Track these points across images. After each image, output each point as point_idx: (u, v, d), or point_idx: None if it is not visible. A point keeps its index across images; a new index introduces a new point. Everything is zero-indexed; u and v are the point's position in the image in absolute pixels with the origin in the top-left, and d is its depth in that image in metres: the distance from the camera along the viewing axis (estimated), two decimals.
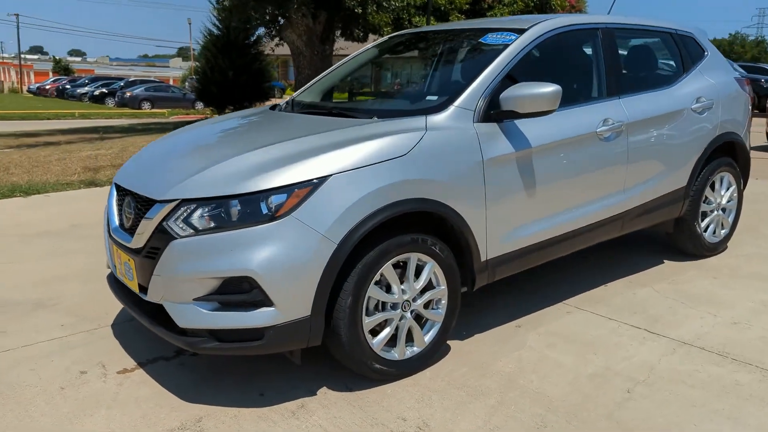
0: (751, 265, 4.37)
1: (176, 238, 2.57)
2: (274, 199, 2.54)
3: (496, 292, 3.90)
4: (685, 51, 4.30)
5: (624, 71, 3.95)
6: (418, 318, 2.96)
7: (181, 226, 2.58)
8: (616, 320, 3.50)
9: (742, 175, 4.65)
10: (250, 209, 2.55)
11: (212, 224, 2.56)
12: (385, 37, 4.29)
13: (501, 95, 3.09)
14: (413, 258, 2.85)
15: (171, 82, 48.70)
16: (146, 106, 33.52)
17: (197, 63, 15.03)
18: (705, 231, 4.46)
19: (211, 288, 2.56)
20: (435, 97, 3.27)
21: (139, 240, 2.74)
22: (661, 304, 3.71)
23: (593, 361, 3.03)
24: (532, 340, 3.28)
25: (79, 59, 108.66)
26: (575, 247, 3.65)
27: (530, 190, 3.23)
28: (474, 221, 3.01)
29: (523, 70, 3.37)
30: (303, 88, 4.22)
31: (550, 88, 3.02)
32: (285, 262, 2.51)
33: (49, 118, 23.26)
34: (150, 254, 2.68)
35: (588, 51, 3.80)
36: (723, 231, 4.60)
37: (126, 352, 3.19)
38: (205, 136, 3.43)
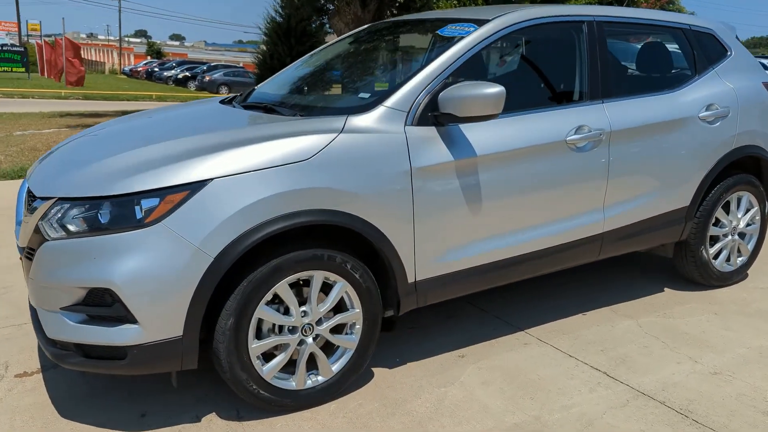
0: (764, 301, 3.77)
1: (47, 240, 2.35)
2: (145, 204, 2.28)
3: (454, 314, 3.51)
4: (699, 50, 3.72)
5: (615, 72, 3.45)
6: (328, 343, 2.64)
7: (54, 226, 2.36)
8: (576, 358, 3.05)
9: None
10: (122, 213, 2.29)
11: (85, 227, 2.32)
12: (362, 27, 3.94)
13: (439, 96, 2.71)
14: (318, 277, 2.53)
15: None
16: (224, 90, 34.22)
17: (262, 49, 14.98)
18: (715, 258, 3.88)
19: (77, 298, 2.33)
20: (368, 95, 2.92)
21: (22, 238, 2.55)
22: (637, 342, 3.22)
23: (525, 408, 2.62)
24: (469, 374, 2.89)
25: (177, 43, 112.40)
26: (538, 271, 3.21)
27: (475, 205, 2.83)
28: (398, 238, 2.65)
29: (479, 67, 2.97)
30: (268, 80, 3.93)
31: (491, 89, 2.62)
32: (151, 276, 2.25)
33: (128, 99, 24.08)
34: (28, 255, 2.48)
35: (568, 47, 3.32)
36: (740, 259, 4.00)
37: (37, 354, 3.03)
38: (125, 128, 3.20)
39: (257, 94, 3.55)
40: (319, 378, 2.63)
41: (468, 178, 2.80)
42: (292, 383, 2.57)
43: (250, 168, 2.37)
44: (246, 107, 3.21)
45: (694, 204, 3.63)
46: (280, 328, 2.53)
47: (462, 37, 2.95)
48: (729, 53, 3.84)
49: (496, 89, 2.62)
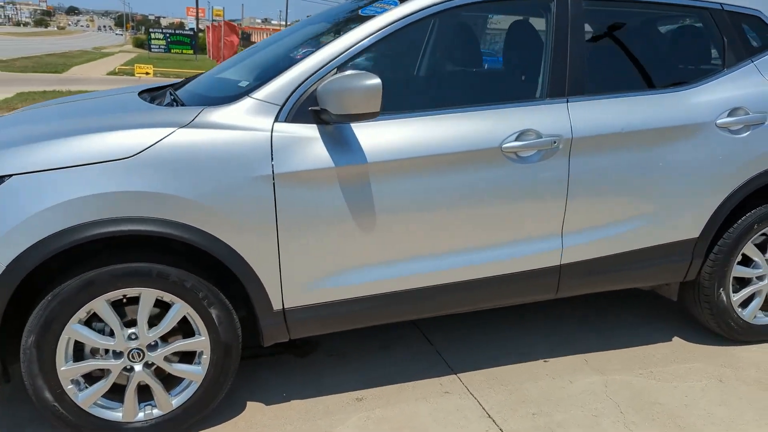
0: None
1: None
2: None
3: (390, 344, 3.00)
4: (735, 36, 2.84)
5: (596, 63, 2.71)
6: (166, 373, 2.29)
7: None
8: (494, 420, 2.44)
9: None
10: None
11: None
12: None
13: (318, 88, 2.23)
14: (147, 295, 2.18)
15: None
16: None
17: None
18: (743, 306, 3.01)
19: None
20: (245, 83, 2.49)
21: None
22: (587, 408, 2.53)
23: None
24: (349, 425, 2.40)
25: None
26: (466, 305, 2.62)
27: (367, 223, 2.32)
28: (257, 257, 2.23)
29: (397, 54, 2.43)
30: (224, 63, 3.58)
31: (362, 82, 2.11)
32: None
33: None
34: None
35: (526, 30, 2.65)
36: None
37: None
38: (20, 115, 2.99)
39: (194, 83, 3.22)
40: (155, 411, 2.28)
41: (356, 189, 2.29)
42: (118, 414, 2.25)
43: (57, 164, 2.05)
44: (154, 95, 2.90)
45: (706, 236, 2.81)
46: (106, 350, 2.21)
47: (373, 17, 2.43)
48: None
49: (368, 82, 2.10)
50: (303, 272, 2.30)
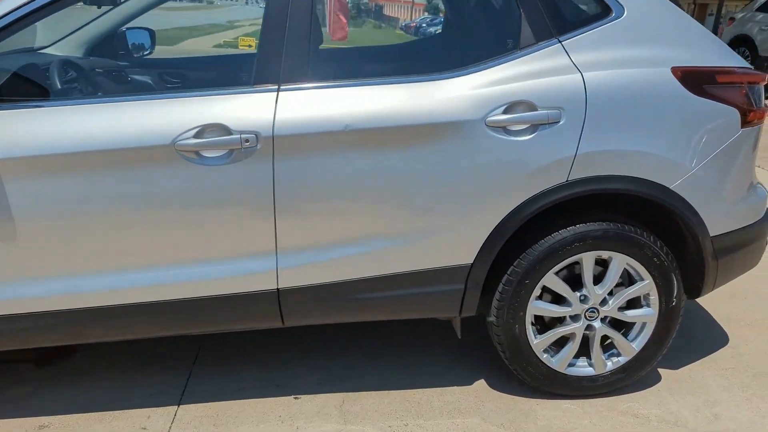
0: None
1: None
2: None
3: (120, 363, 2.66)
4: (534, 7, 2.18)
5: (336, 41, 2.18)
6: None
7: None
8: None
9: (699, 274, 2.36)
10: None
11: None
12: None
13: None
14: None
15: None
16: None
17: None
18: (553, 351, 2.39)
19: None
20: None
21: None
22: None
23: None
24: None
25: None
26: (158, 330, 2.23)
27: None
28: None
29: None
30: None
31: None
32: None
33: None
34: None
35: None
36: (613, 360, 2.42)
37: None
38: None
39: None
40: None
41: None
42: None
43: None
44: None
45: (483, 262, 2.22)
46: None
47: None
48: (613, 14, 2.21)
49: None
50: None
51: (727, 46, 2.37)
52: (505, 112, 2.10)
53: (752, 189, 2.45)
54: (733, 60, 2.30)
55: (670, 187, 2.21)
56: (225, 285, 2.15)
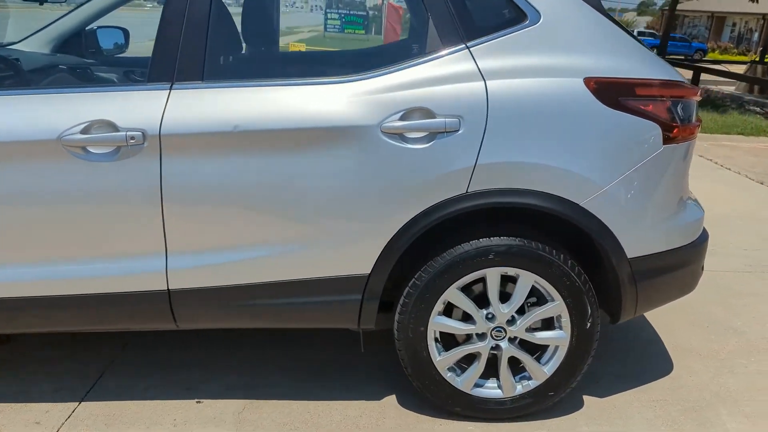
0: None
1: None
2: None
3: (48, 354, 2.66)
4: (443, 11, 2.10)
5: (239, 39, 2.14)
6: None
7: None
8: None
9: (618, 297, 2.22)
10: None
11: None
12: None
13: None
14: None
15: None
16: None
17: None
18: (462, 371, 2.29)
19: None
20: None
21: None
22: None
23: None
24: None
25: None
26: (48, 325, 2.23)
27: None
28: None
29: None
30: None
31: None
32: None
33: None
34: None
35: None
36: (524, 383, 2.29)
37: None
38: None
39: None
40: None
41: None
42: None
43: None
44: None
45: (380, 273, 2.13)
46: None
47: None
48: (527, 20, 2.11)
49: None
50: None
51: (657, 57, 2.23)
52: (401, 118, 2.02)
53: (682, 209, 2.29)
54: (662, 72, 2.16)
55: (581, 204, 2.08)
56: (115, 283, 2.12)
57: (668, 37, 21.70)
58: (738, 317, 3.21)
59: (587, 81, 2.05)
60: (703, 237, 2.39)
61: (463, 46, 2.08)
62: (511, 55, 2.07)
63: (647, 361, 2.78)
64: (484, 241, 2.13)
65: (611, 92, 2.06)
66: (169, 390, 2.47)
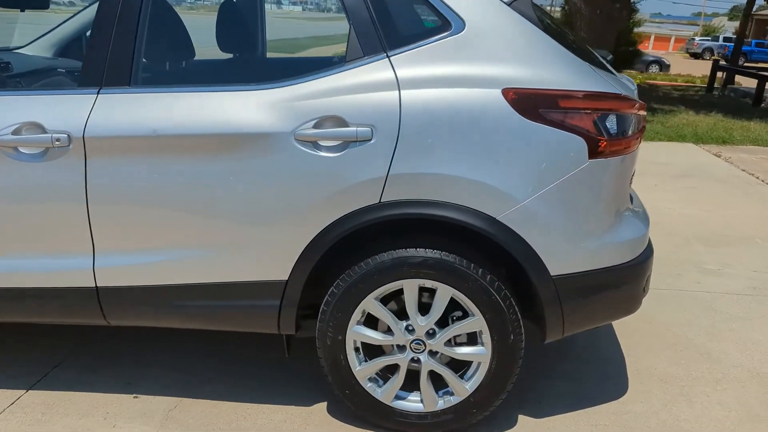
0: None
1: None
2: None
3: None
4: (364, 19, 2.07)
5: (167, 46, 2.19)
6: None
7: None
8: None
9: (547, 315, 2.13)
10: None
11: None
12: None
13: None
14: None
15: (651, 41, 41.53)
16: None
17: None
18: (384, 382, 2.26)
19: None
20: None
21: None
22: None
23: None
24: None
25: None
26: None
27: None
28: None
29: None
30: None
31: None
32: None
33: None
34: None
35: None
36: (445, 399, 2.24)
37: None
38: None
39: None
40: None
41: None
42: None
43: None
44: None
45: (297, 280, 2.14)
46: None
47: None
48: (451, 28, 2.06)
49: None
50: None
51: (590, 67, 2.13)
52: (315, 126, 2.02)
53: (616, 226, 2.18)
54: (592, 84, 2.06)
55: (498, 218, 2.03)
56: (45, 279, 2.22)
57: (742, 43, 20.76)
58: (719, 342, 3.03)
59: (505, 92, 1.99)
60: (644, 256, 2.27)
61: (384, 55, 2.06)
62: (430, 65, 2.04)
63: (601, 382, 2.66)
64: (400, 252, 2.10)
65: (531, 104, 1.99)
66: (114, 384, 2.56)
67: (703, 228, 4.80)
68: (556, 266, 2.08)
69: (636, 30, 20.38)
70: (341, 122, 2.02)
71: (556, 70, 2.05)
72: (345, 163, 2.02)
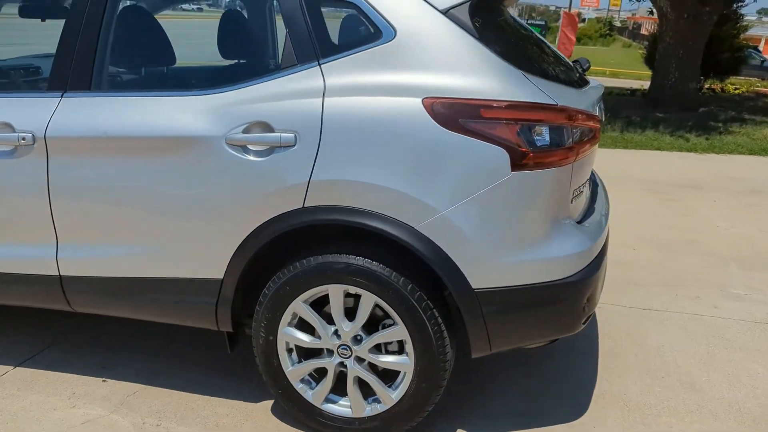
0: None
1: None
2: None
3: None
4: (299, 27, 2.11)
5: (128, 52, 2.34)
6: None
7: None
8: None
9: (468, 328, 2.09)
10: None
11: None
12: None
13: None
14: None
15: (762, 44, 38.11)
16: None
17: None
18: (315, 384, 2.29)
19: None
20: None
21: None
22: None
23: None
24: None
25: None
26: None
27: None
28: None
29: None
30: None
31: None
32: None
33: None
34: None
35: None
36: (372, 406, 2.24)
37: None
38: None
39: None
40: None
41: None
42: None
43: None
44: None
45: (231, 279, 2.22)
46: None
47: None
48: (381, 37, 2.06)
49: None
50: None
51: (524, 76, 2.05)
52: (244, 131, 2.10)
53: (551, 241, 2.09)
54: (521, 93, 1.99)
55: (417, 228, 2.01)
56: (11, 265, 2.44)
57: None
58: (709, 373, 2.81)
59: (426, 101, 1.98)
60: (586, 273, 2.16)
61: (316, 62, 2.11)
62: (357, 73, 2.06)
63: (558, 403, 2.56)
64: (326, 257, 2.13)
65: (451, 113, 1.97)
66: (89, 367, 2.76)
67: (748, 249, 4.45)
68: (478, 279, 2.04)
69: (743, 35, 18.95)
70: (268, 128, 2.08)
71: (484, 79, 2.01)
72: (271, 168, 2.08)
